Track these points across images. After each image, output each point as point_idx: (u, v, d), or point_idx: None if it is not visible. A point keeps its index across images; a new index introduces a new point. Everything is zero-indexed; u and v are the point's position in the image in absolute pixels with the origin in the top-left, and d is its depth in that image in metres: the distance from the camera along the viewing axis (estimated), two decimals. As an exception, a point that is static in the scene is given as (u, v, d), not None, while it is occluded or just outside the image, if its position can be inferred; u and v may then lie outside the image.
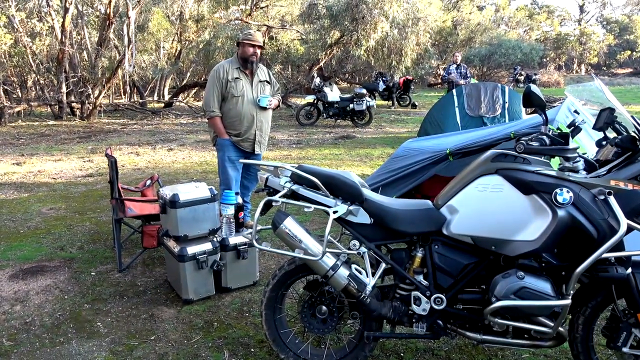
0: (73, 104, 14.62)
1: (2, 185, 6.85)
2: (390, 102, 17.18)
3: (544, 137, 2.08)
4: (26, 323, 3.08)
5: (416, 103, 17.31)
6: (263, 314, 2.52)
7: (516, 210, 2.07)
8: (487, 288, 2.20)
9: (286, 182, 2.41)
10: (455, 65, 11.78)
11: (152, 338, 2.90)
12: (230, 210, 3.38)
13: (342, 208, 2.28)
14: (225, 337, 2.89)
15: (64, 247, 4.37)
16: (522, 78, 23.83)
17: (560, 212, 1.96)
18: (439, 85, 26.83)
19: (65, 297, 3.41)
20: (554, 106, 4.45)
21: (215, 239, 3.37)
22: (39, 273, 3.79)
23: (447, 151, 4.75)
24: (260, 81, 4.35)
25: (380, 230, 2.31)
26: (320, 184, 2.30)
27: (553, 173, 2.03)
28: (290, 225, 2.30)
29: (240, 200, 3.48)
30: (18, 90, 16.58)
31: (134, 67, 14.00)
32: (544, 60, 34.11)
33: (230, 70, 4.22)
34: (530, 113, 2.20)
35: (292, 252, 2.28)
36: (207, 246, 3.26)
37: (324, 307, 2.48)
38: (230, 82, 4.19)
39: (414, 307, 2.26)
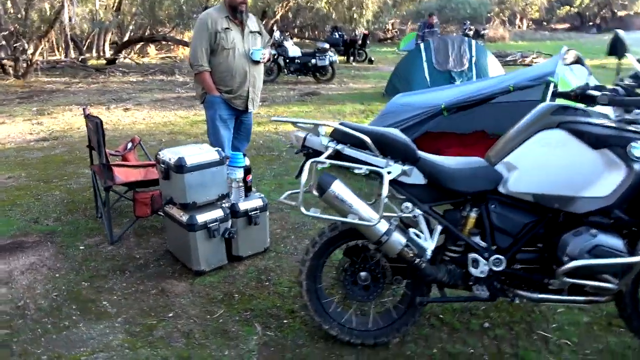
0: (4, 61, 13.24)
1: (-58, 153, 6.10)
2: (346, 57, 16.83)
3: (618, 88, 1.98)
4: (18, 307, 2.74)
5: (372, 58, 17.10)
6: (304, 284, 2.35)
7: (584, 165, 1.98)
8: (545, 246, 2.13)
9: (329, 141, 2.19)
10: (428, 27, 11.63)
11: (171, 315, 2.66)
12: (240, 174, 3.12)
13: (395, 168, 2.11)
14: (252, 309, 2.70)
15: (38, 219, 3.94)
16: (471, 33, 24.01)
17: (637, 167, 1.89)
18: (388, 40, 26.71)
19: (57, 275, 3.07)
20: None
21: (224, 205, 3.11)
22: (18, 250, 3.38)
23: (442, 106, 4.64)
24: (252, 32, 3.98)
25: (434, 191, 2.17)
26: (371, 142, 2.10)
27: (625, 126, 1.95)
28: (339, 188, 2.11)
29: (247, 162, 3.21)
30: (-63, 46, 14.80)
31: (73, 20, 12.77)
32: (490, 15, 34.62)
33: (219, 19, 3.82)
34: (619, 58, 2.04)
35: (345, 218, 2.09)
36: (217, 213, 3.01)
37: (365, 273, 2.34)
38: (220, 33, 3.80)
39: (472, 269, 2.16)
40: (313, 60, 11.95)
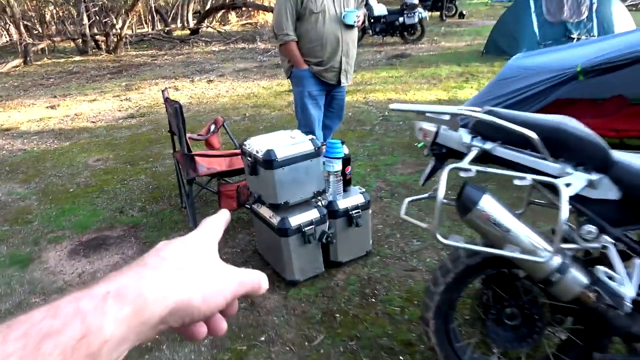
0: (97, 37, 13.68)
1: (41, 133, 6.23)
2: (439, 13, 15.45)
3: None
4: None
5: (464, 12, 15.59)
6: (431, 324, 1.81)
7: None
8: None
9: (473, 138, 1.58)
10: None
11: (263, 339, 2.26)
12: (338, 166, 2.60)
13: (577, 178, 1.45)
14: (357, 336, 2.22)
15: (123, 209, 3.74)
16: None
17: None
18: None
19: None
20: None
21: (320, 204, 2.62)
22: (102, 247, 3.17)
23: (578, 68, 3.75)
24: (343, -10, 3.37)
25: (632, 211, 1.49)
26: (538, 140, 1.46)
27: None
28: (490, 207, 1.51)
29: (346, 150, 2.68)
30: (38, 26, 15.67)
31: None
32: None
33: (306, -23, 3.24)
34: None
35: (502, 250, 1.49)
36: (313, 214, 2.52)
37: (514, 310, 1.74)
38: (308, -5, 3.23)
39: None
40: (400, 19, 10.98)
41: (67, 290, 2.71)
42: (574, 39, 8.08)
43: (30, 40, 12.60)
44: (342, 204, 2.63)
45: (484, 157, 1.58)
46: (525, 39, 8.13)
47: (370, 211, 2.76)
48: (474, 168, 1.48)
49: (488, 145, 1.55)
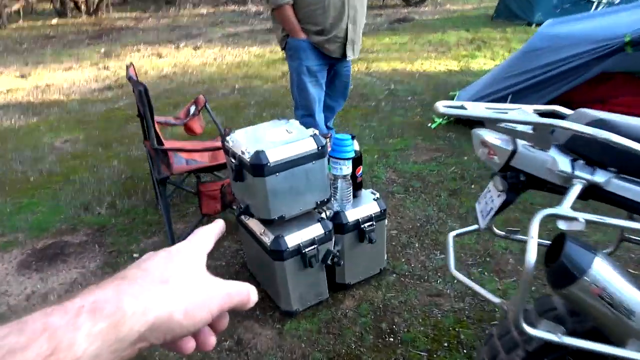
0: (76, -3, 12.71)
1: (7, 107, 5.58)
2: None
3: None
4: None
5: (469, -28, 14.64)
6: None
7: None
8: None
9: (573, 163, 1.03)
10: None
11: (252, 397, 1.76)
12: (347, 168, 2.04)
13: None
14: (375, 396, 1.73)
15: (89, 205, 3.18)
16: None
17: None
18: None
19: (102, 304, 2.27)
20: None
21: (325, 216, 2.08)
22: (59, 257, 2.63)
23: (626, 39, 3.16)
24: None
25: None
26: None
27: None
28: (606, 276, 0.96)
29: (357, 146, 2.11)
30: (13, -16, 14.60)
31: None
32: None
33: None
34: None
35: (625, 350, 0.95)
36: (315, 230, 1.99)
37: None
38: (306, -55, 2.59)
39: None
40: (403, -22, 10.16)
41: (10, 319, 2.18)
42: (593, 3, 7.39)
43: (3, 0, 11.66)
44: (352, 215, 2.09)
45: (592, 193, 1.02)
46: (541, 2, 7.43)
47: (386, 221, 2.22)
48: (583, 217, 0.93)
49: (600, 177, 0.99)
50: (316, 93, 2.94)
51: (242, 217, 2.11)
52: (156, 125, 2.42)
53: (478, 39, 6.92)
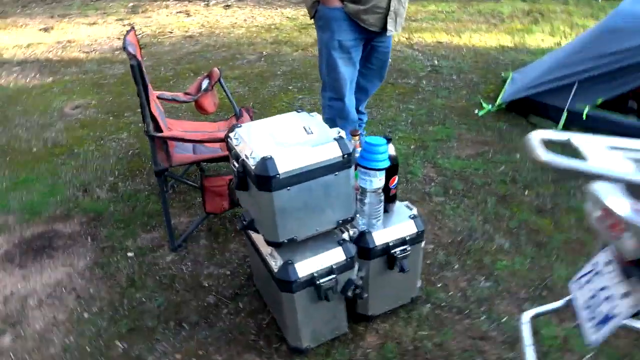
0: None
1: (25, 64, 5.30)
2: None
3: None
4: (15, 384, 1.69)
5: None
6: None
7: None
8: None
9: None
10: None
11: None
12: (379, 181, 1.62)
13: None
14: None
15: (89, 186, 2.87)
16: None
17: None
18: None
19: (85, 316, 1.97)
20: None
21: (347, 236, 1.68)
22: (46, 251, 2.33)
23: None
24: None
25: None
26: None
27: None
28: None
29: (393, 151, 1.68)
30: None
31: None
32: None
33: None
34: None
35: None
36: (334, 256, 1.59)
37: None
38: None
39: None
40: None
41: (-19, 325, 1.91)
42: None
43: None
44: (381, 236, 1.68)
45: None
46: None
47: (423, 244, 1.81)
48: None
49: None
50: (348, 73, 2.49)
51: (248, 231, 1.73)
52: (153, 107, 2.03)
53: (536, 11, 6.19)
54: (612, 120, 2.98)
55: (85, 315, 1.96)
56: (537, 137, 0.76)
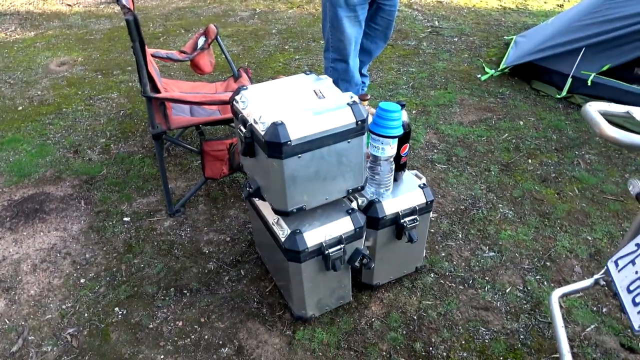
0: None
1: (4, 17, 5.04)
2: None
3: None
4: (11, 355, 1.65)
5: None
6: None
7: None
8: None
9: None
10: None
11: None
12: (391, 149, 1.55)
13: None
14: None
15: (80, 147, 2.76)
16: None
17: None
18: None
19: (82, 281, 1.92)
20: None
21: (356, 205, 1.63)
22: (37, 214, 2.25)
23: None
24: None
25: None
26: None
27: None
28: None
29: (405, 116, 1.61)
30: None
31: None
32: None
33: None
34: None
35: None
36: (343, 225, 1.55)
37: None
38: None
39: None
40: None
41: (-26, 291, 1.85)
42: None
43: None
44: (391, 206, 1.64)
45: None
46: None
47: (431, 214, 1.77)
48: None
49: None
50: (354, 33, 2.39)
51: (251, 199, 1.67)
52: (150, 66, 1.91)
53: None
54: (618, 87, 2.93)
55: (82, 280, 1.91)
56: (595, 110, 0.70)
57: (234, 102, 1.53)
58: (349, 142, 1.43)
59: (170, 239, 2.10)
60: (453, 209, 2.24)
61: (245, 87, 1.55)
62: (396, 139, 1.54)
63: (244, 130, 1.45)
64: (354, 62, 2.48)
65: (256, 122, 1.39)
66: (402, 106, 1.58)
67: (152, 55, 2.36)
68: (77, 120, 3.05)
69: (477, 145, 2.70)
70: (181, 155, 2.64)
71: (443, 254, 1.99)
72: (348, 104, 1.42)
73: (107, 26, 4.66)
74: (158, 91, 1.95)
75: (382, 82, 3.39)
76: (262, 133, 1.35)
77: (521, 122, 2.90)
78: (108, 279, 1.92)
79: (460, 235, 2.09)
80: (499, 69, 3.43)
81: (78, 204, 2.31)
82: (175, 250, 2.04)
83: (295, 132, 1.34)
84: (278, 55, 3.88)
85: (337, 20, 2.34)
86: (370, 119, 1.54)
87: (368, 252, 1.64)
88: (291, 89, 1.54)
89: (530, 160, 2.57)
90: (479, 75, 3.44)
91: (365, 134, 1.47)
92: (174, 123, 2.03)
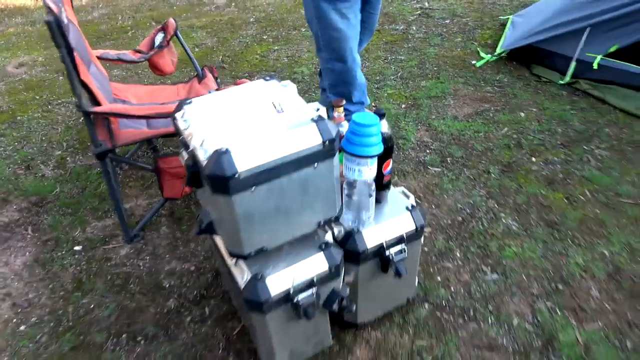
0: None
1: (-37, 14, 4.69)
2: None
3: None
4: None
5: None
6: None
7: None
8: None
9: None
10: None
11: None
12: (369, 170, 1.27)
13: None
14: None
15: (32, 161, 2.49)
16: None
17: None
18: None
19: (22, 328, 1.65)
20: None
21: (332, 234, 1.36)
22: (-23, 245, 1.98)
23: None
24: None
25: None
26: None
27: None
28: None
29: (385, 127, 1.32)
30: None
31: None
32: None
33: None
34: None
35: None
36: (315, 264, 1.28)
37: None
38: None
39: None
40: None
41: None
42: None
43: None
44: (373, 236, 1.37)
45: None
46: None
47: (422, 239, 1.50)
48: None
49: None
50: (347, 25, 2.04)
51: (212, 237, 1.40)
52: (85, 75, 1.62)
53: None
54: (628, 70, 2.64)
55: (22, 328, 1.65)
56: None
57: (175, 120, 1.24)
58: (315, 168, 1.15)
59: (126, 271, 1.83)
60: (449, 222, 1.97)
61: (188, 101, 1.27)
62: (375, 158, 1.26)
63: (185, 155, 1.17)
64: (353, 59, 2.14)
65: (197, 148, 1.11)
66: (382, 116, 1.30)
67: (100, 58, 2.07)
68: (32, 129, 2.76)
69: (474, 143, 2.42)
70: (140, 175, 2.35)
71: (439, 279, 1.73)
72: (313, 119, 1.14)
73: (72, 21, 4.33)
74: (98, 103, 1.66)
75: (369, 73, 3.10)
76: (204, 162, 1.07)
77: (522, 114, 2.62)
78: (52, 324, 1.65)
79: (458, 254, 1.82)
80: (495, 54, 3.13)
81: (24, 232, 2.03)
82: (131, 285, 1.78)
83: (245, 161, 1.06)
84: (255, 47, 3.58)
85: (322, 14, 2.01)
86: (345, 128, 1.27)
87: (348, 290, 1.38)
88: (245, 101, 1.25)
89: (533, 159, 2.30)
90: (473, 62, 3.15)
91: (337, 154, 1.19)
92: (120, 139, 1.74)
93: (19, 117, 2.88)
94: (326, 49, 2.11)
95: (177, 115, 1.24)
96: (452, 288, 1.69)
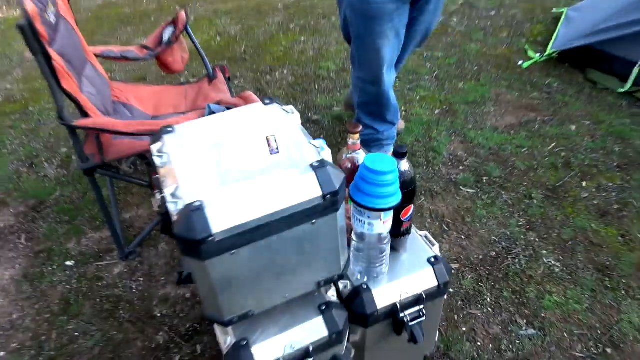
0: None
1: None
2: None
3: None
4: None
5: None
6: None
7: None
8: None
9: None
10: None
11: None
12: (382, 224, 1.04)
13: None
14: None
15: (37, 158, 2.36)
16: None
17: None
18: None
19: (1, 354, 1.53)
20: None
21: (332, 295, 1.14)
22: (-32, 254, 1.87)
23: None
24: None
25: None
26: None
27: None
28: None
29: (406, 166, 1.09)
30: None
31: None
32: None
33: None
34: None
35: None
36: (312, 330, 1.07)
37: None
38: None
39: None
40: None
41: None
42: None
43: None
44: (385, 294, 1.15)
45: None
46: None
47: (445, 298, 1.26)
48: None
49: None
50: (389, 47, 1.77)
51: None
52: (67, 83, 1.43)
53: None
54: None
55: (2, 354, 1.52)
56: None
57: (151, 154, 1.04)
58: (313, 224, 0.93)
59: (116, 294, 1.68)
60: (480, 257, 1.72)
61: (169, 129, 1.06)
62: (390, 212, 1.03)
63: (157, 198, 0.97)
64: (388, 79, 1.88)
65: (169, 198, 0.91)
66: (403, 155, 1.06)
67: (100, 56, 1.89)
68: (42, 122, 2.64)
69: (516, 161, 2.14)
70: (142, 176, 2.19)
71: (464, 329, 1.50)
72: (312, 165, 0.92)
73: (94, 3, 4.20)
74: (86, 114, 1.48)
75: (401, 72, 2.81)
76: (175, 217, 0.87)
77: (573, 127, 2.31)
78: (33, 352, 1.52)
79: (488, 299, 1.58)
80: (545, 54, 2.80)
81: (17, 240, 1.91)
82: (121, 312, 1.62)
83: (223, 220, 0.85)
84: (281, 37, 3.34)
85: (365, 34, 1.75)
86: (362, 156, 1.04)
87: (353, 352, 1.17)
88: (235, 133, 1.04)
89: (584, 183, 2.00)
90: (520, 62, 2.82)
91: (341, 207, 0.97)
92: (112, 153, 1.57)
93: (30, 108, 2.77)
94: (361, 69, 1.87)
95: (154, 147, 1.03)
96: (478, 342, 1.46)
